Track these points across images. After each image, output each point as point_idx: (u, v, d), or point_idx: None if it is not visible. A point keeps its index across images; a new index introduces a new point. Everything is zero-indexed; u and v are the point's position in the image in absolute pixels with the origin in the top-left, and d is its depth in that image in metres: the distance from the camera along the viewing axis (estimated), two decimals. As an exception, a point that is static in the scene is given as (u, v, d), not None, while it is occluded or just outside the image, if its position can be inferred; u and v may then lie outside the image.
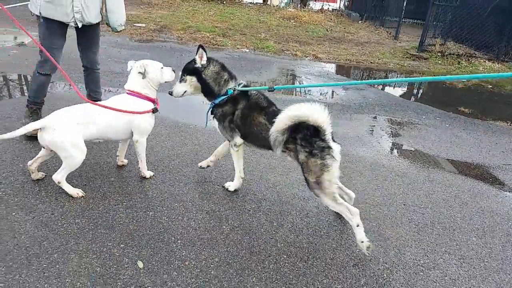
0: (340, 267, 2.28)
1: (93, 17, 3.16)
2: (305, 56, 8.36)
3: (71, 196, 2.60)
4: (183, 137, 3.77)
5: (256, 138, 2.69)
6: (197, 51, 2.65)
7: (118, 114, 2.64)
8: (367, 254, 2.35)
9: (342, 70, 8.00)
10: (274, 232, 2.54)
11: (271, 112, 2.61)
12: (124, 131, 2.75)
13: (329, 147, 2.34)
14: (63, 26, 3.11)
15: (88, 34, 3.30)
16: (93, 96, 3.65)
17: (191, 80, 2.70)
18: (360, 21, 14.21)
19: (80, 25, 3.11)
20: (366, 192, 3.17)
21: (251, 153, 3.57)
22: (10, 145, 3.13)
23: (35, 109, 3.42)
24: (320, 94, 5.97)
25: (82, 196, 2.62)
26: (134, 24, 8.65)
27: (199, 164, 3.11)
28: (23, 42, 6.52)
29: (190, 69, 2.68)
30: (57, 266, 2.01)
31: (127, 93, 2.77)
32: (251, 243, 2.40)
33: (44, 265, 2.00)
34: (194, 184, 2.98)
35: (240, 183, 2.95)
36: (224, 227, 2.52)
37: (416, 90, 7.37)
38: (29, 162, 2.66)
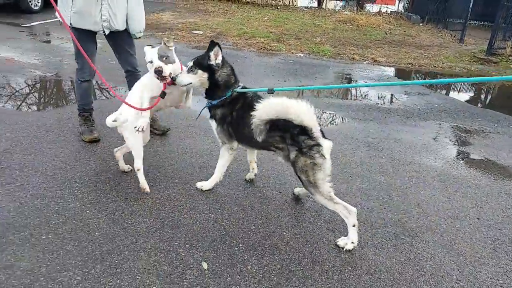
0: (409, 282, 2.15)
1: (120, 25, 3.23)
2: (363, 59, 8.13)
3: (141, 189, 2.75)
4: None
5: (249, 139, 2.54)
6: (211, 48, 2.52)
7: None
8: (348, 250, 2.36)
9: (403, 73, 7.66)
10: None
11: None
12: None
13: (318, 145, 2.28)
14: (93, 33, 3.24)
15: (119, 40, 3.38)
16: None
17: (202, 75, 2.59)
18: (421, 24, 13.57)
19: (107, 32, 3.22)
20: (435, 203, 2.98)
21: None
22: (83, 146, 3.35)
23: (87, 116, 3.55)
24: (378, 98, 5.75)
25: (147, 192, 2.76)
26: (192, 32, 8.96)
27: (246, 178, 3.10)
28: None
29: (204, 65, 2.57)
30: (128, 263, 2.10)
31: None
32: (313, 252, 2.34)
33: (116, 262, 2.10)
34: (253, 188, 2.99)
35: (213, 185, 2.89)
36: (285, 233, 2.49)
37: (484, 96, 6.87)
38: (115, 150, 2.96)
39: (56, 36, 7.58)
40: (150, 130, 3.28)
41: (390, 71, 7.69)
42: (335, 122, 4.65)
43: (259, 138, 2.40)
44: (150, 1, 13.58)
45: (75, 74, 3.43)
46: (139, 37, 3.41)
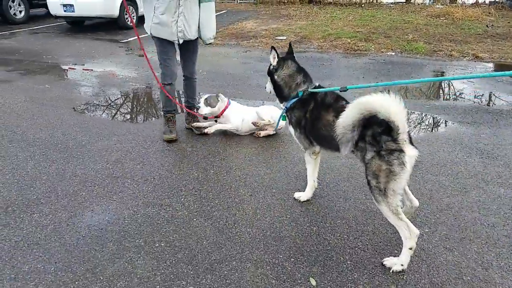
0: (558, 319, 1.82)
1: (193, 34, 3.52)
2: (462, 56, 7.37)
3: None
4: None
5: (328, 140, 2.36)
6: (271, 52, 2.67)
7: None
8: (395, 270, 2.13)
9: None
10: (456, 263, 2.20)
11: (340, 107, 2.28)
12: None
13: (401, 151, 1.98)
14: (171, 42, 3.54)
15: (189, 48, 3.66)
16: (190, 102, 4.00)
17: (268, 80, 2.78)
18: (529, 11, 11.93)
19: (181, 41, 3.50)
20: None
21: (415, 169, 3.24)
22: (185, 156, 3.50)
23: (169, 117, 3.87)
24: (475, 97, 5.14)
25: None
26: (276, 38, 9.00)
27: (300, 199, 2.82)
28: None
29: (268, 70, 2.75)
30: (236, 274, 2.10)
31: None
32: (430, 273, 2.12)
33: (225, 272, 2.12)
34: (354, 200, 2.83)
35: (311, 193, 2.80)
36: (396, 251, 2.29)
37: None
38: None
39: (151, 50, 8.20)
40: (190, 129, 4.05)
41: (496, 67, 6.85)
42: (440, 126, 4.24)
43: (345, 151, 2.15)
44: (233, 11, 14.06)
45: (160, 78, 3.73)
46: (210, 43, 3.71)
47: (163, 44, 3.54)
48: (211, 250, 2.29)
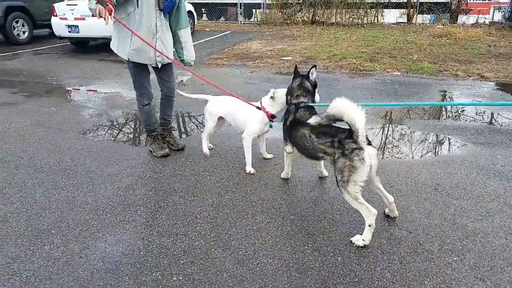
0: None
1: (170, 57, 3.64)
2: (468, 76, 7.37)
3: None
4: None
5: (300, 147, 2.97)
6: (315, 68, 3.13)
7: (242, 110, 3.56)
8: (358, 246, 2.52)
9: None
10: (491, 295, 2.09)
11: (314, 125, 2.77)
12: (241, 124, 3.58)
13: (360, 149, 2.44)
14: (146, 65, 3.64)
15: (165, 69, 3.77)
16: (166, 119, 4.08)
17: (302, 89, 3.15)
18: (529, 30, 12.04)
19: (159, 65, 3.63)
20: None
21: (435, 192, 3.16)
22: (198, 180, 3.41)
23: (155, 136, 3.98)
24: (486, 117, 5.09)
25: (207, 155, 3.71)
26: (282, 58, 9.02)
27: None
28: (182, 80, 7.36)
29: (310, 83, 3.15)
30: (261, 311, 1.98)
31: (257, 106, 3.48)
32: (467, 308, 2.00)
33: (249, 309, 2.00)
34: (377, 227, 2.70)
35: (287, 176, 3.41)
36: (426, 282, 2.18)
37: None
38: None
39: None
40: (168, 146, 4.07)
41: (502, 87, 6.84)
42: (454, 147, 4.16)
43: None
44: (237, 31, 14.20)
45: (136, 100, 3.85)
46: (192, 65, 3.85)
47: (140, 69, 3.65)
48: (232, 284, 2.17)
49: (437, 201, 3.05)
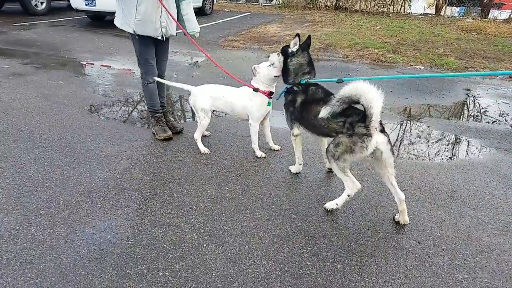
0: None
1: (173, 30, 3.62)
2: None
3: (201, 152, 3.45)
4: (366, 174, 3.35)
5: (314, 127, 2.81)
6: (294, 38, 2.91)
7: (237, 96, 3.41)
8: (325, 208, 2.70)
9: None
10: (505, 323, 1.89)
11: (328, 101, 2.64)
12: (241, 111, 3.41)
13: (368, 135, 2.35)
14: (152, 38, 3.52)
15: (163, 47, 3.73)
16: (161, 101, 3.92)
17: (279, 59, 3.09)
18: None
19: (164, 38, 3.56)
20: None
21: (450, 200, 2.93)
22: (199, 168, 3.25)
23: (159, 117, 3.83)
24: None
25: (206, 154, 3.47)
26: (300, 43, 8.71)
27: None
28: (197, 62, 7.15)
29: (284, 50, 3.01)
30: (248, 319, 1.83)
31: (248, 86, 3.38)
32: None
33: (235, 316, 1.85)
34: (384, 233, 2.53)
35: (299, 168, 3.24)
36: (432, 301, 1.99)
37: None
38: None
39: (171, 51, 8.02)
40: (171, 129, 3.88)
41: (534, 87, 6.43)
42: (475, 152, 3.89)
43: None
44: (256, 13, 13.84)
45: (141, 77, 3.72)
46: (196, 37, 3.75)
47: (146, 43, 3.52)
48: (221, 285, 2.02)
49: (452, 210, 2.83)
